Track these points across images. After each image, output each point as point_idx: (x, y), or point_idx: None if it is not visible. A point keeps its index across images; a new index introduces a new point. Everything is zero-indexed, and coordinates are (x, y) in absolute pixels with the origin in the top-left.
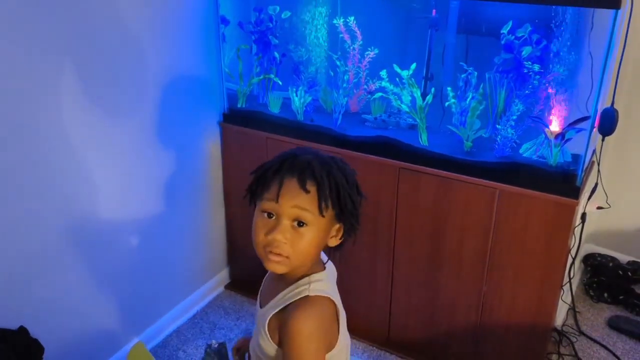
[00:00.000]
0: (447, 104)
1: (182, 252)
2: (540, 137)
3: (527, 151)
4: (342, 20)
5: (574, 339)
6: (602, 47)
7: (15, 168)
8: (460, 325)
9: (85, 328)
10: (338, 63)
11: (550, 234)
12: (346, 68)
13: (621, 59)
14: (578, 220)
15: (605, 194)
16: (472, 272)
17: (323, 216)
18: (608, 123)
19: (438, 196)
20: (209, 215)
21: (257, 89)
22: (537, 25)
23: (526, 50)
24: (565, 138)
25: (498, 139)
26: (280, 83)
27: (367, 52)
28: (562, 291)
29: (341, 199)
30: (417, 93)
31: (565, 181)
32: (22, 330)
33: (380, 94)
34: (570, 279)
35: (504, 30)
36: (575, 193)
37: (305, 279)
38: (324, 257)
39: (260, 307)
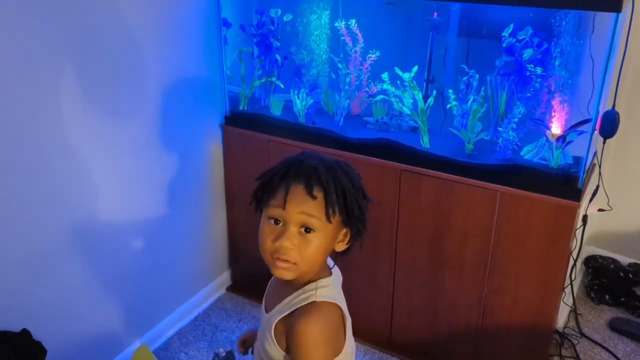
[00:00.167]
0: (448, 106)
1: (184, 255)
2: (541, 140)
3: (529, 153)
4: (343, 23)
5: (575, 341)
6: (603, 49)
7: (16, 171)
8: (462, 327)
9: (87, 330)
10: (340, 66)
11: (552, 236)
12: (348, 71)
13: (622, 62)
14: (579, 223)
15: (607, 196)
16: (473, 274)
17: (330, 222)
18: (609, 126)
19: (439, 198)
20: (211, 217)
21: (258, 91)
22: (538, 28)
23: (527, 53)
24: (567, 140)
25: (499, 141)
26: (282, 86)
27: (368, 55)
28: (563, 293)
29: (348, 205)
30: (419, 96)
31: (566, 183)
32: (25, 333)
33: (381, 96)
34: (571, 281)
35: (505, 33)
36: (577, 195)
37: (312, 285)
38: (330, 262)
39: (266, 311)
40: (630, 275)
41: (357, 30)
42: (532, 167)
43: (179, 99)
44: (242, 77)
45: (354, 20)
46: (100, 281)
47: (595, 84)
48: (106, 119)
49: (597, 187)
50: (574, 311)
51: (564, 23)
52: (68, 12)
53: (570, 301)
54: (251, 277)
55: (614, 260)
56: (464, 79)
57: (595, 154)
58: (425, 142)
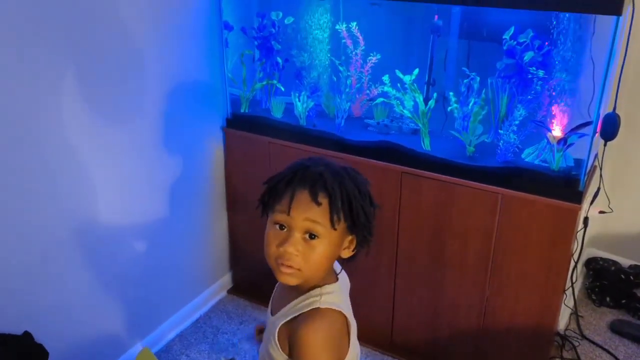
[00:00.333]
0: (449, 109)
1: (185, 257)
2: (542, 142)
3: (530, 156)
4: (344, 25)
5: (576, 343)
6: (604, 52)
7: (17, 172)
8: (463, 329)
9: (89, 333)
10: (340, 68)
11: (553, 238)
12: (348, 73)
13: (623, 64)
14: (580, 225)
15: (608, 198)
16: (475, 276)
17: (335, 229)
18: (610, 128)
19: (440, 201)
20: (212, 219)
21: (259, 94)
22: (539, 30)
23: (528, 56)
24: (568, 143)
25: (500, 143)
26: (283, 89)
27: (369, 58)
28: (564, 295)
29: (353, 211)
30: (420, 98)
31: (567, 186)
32: (27, 335)
33: (381, 99)
34: (572, 283)
35: (506, 36)
36: (578, 198)
37: (317, 290)
38: (337, 267)
39: (272, 314)
40: (631, 277)
41: (358, 33)
42: (533, 170)
43: (180, 102)
44: (243, 80)
45: (354, 23)
46: (101, 283)
47: (595, 87)
48: (107, 121)
49: (598, 189)
50: (575, 313)
51: (564, 26)
52: (69, 14)
53: (571, 303)
54: (252, 280)
55: (614, 263)
56: (465, 81)
57: (596, 156)
58: (426, 145)
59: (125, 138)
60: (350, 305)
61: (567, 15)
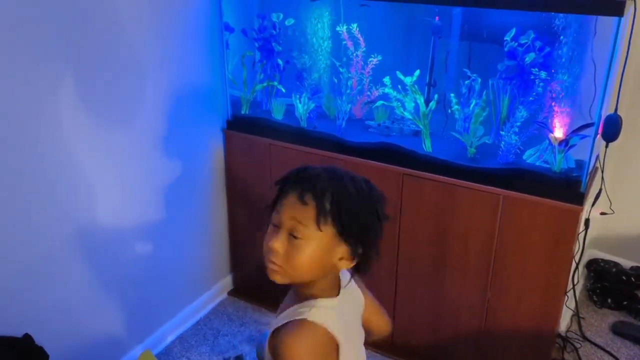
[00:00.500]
0: (450, 110)
1: (186, 259)
2: (544, 143)
3: (531, 157)
4: (345, 27)
5: (578, 345)
6: (605, 53)
7: (17, 175)
8: (465, 331)
9: (90, 335)
10: (341, 70)
11: (555, 240)
12: (349, 75)
13: (624, 66)
14: (582, 226)
15: (609, 199)
16: (476, 277)
17: (320, 230)
18: (612, 129)
19: (442, 202)
20: (212, 221)
21: (260, 95)
22: (540, 32)
23: (529, 57)
24: (569, 144)
25: (502, 145)
26: (284, 90)
27: (370, 59)
28: (566, 297)
29: (342, 215)
30: (421, 100)
31: (569, 187)
32: (27, 338)
33: (380, 102)
34: (574, 284)
35: (507, 37)
36: (579, 199)
37: (312, 302)
38: (345, 282)
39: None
40: (633, 279)
41: (359, 34)
42: (534, 171)
43: (180, 103)
44: (244, 81)
45: (355, 25)
46: (101, 285)
47: (597, 88)
48: (107, 122)
49: (600, 190)
50: (576, 315)
51: (565, 27)
52: (69, 15)
53: (572, 305)
54: (253, 282)
55: (616, 264)
56: (466, 82)
57: (597, 157)
58: (427, 146)
59: (125, 139)
60: (351, 326)
61: (568, 16)
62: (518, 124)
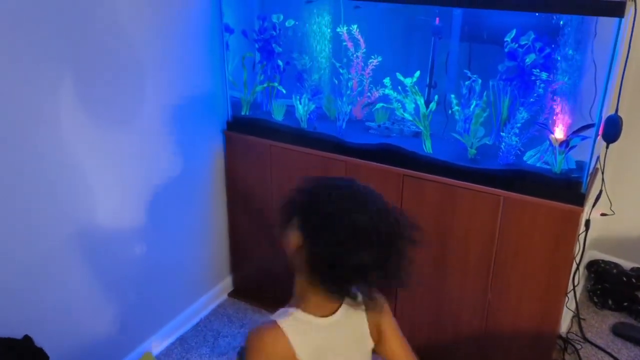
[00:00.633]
0: (450, 111)
1: (186, 260)
2: (544, 144)
3: (531, 158)
4: (345, 28)
5: (578, 346)
6: (606, 54)
7: (17, 176)
8: (465, 332)
9: (90, 337)
10: (342, 71)
11: (555, 241)
12: (349, 76)
13: (625, 67)
14: (582, 227)
15: (609, 200)
16: (477, 278)
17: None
18: (612, 130)
19: (442, 203)
20: (213, 223)
21: (260, 96)
22: (540, 33)
23: (530, 58)
24: (570, 145)
25: (502, 146)
26: (284, 91)
27: (370, 60)
28: (566, 298)
29: (305, 209)
30: (421, 101)
31: (569, 188)
32: (27, 339)
33: (380, 104)
34: (574, 286)
35: (508, 38)
36: (580, 200)
37: (291, 309)
38: (346, 308)
39: None
40: (633, 280)
41: (359, 35)
42: (535, 172)
43: (180, 104)
44: (244, 83)
45: (355, 26)
46: (102, 287)
47: (597, 89)
48: (107, 123)
49: (600, 191)
50: (577, 316)
51: (566, 28)
52: (69, 16)
53: (573, 306)
54: (253, 283)
55: (616, 265)
56: (467, 83)
57: (598, 158)
58: (427, 147)
59: (125, 139)
60: (332, 354)
61: (568, 17)
62: (518, 125)
